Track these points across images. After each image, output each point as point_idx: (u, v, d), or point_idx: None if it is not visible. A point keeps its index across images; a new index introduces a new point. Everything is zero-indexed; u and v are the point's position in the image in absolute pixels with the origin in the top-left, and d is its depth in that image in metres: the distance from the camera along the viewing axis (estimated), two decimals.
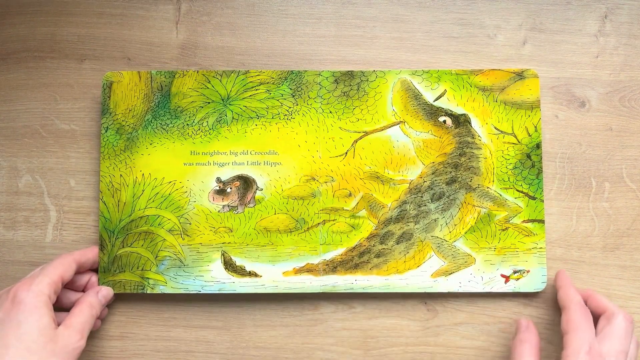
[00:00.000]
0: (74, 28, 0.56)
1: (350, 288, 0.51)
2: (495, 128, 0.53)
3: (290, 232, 0.52)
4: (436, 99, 0.53)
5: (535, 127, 0.52)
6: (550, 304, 0.53)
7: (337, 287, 0.52)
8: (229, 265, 0.52)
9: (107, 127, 0.53)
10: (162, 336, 0.53)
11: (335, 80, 0.53)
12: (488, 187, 0.52)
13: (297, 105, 0.53)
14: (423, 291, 0.51)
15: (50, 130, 0.55)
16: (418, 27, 0.56)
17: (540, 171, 0.52)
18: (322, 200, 0.52)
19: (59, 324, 0.45)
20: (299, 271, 0.52)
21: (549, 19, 0.55)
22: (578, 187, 0.54)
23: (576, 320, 0.45)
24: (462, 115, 0.53)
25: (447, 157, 0.53)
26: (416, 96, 0.53)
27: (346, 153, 0.53)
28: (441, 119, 0.53)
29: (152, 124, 0.53)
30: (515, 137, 0.52)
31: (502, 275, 0.51)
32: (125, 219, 0.52)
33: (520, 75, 0.53)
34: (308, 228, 0.52)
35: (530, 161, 0.52)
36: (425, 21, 0.56)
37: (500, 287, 0.51)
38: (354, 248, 0.52)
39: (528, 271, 0.51)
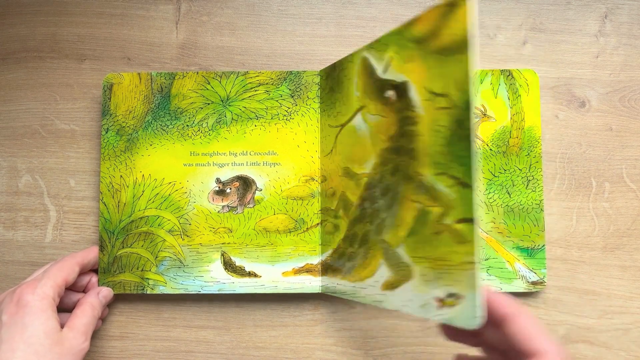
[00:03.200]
0: (74, 28, 0.56)
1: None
2: (429, 91, 0.40)
3: (290, 232, 0.52)
4: (384, 71, 0.44)
5: (467, 78, 0.36)
6: (550, 303, 0.53)
7: (337, 288, 0.52)
8: (229, 266, 0.52)
9: (108, 129, 0.53)
10: (162, 336, 0.53)
11: (327, 78, 0.53)
12: (421, 174, 0.40)
13: (296, 105, 0.53)
14: (377, 305, 0.45)
15: (50, 130, 0.55)
16: None
17: (471, 142, 0.36)
18: (320, 200, 0.52)
19: (62, 326, 0.45)
20: (298, 271, 0.52)
21: (549, 19, 0.55)
22: (578, 187, 0.54)
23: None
24: (401, 83, 0.42)
25: (391, 141, 0.44)
26: (371, 73, 0.46)
27: (331, 150, 0.52)
28: (387, 93, 0.44)
29: (152, 125, 0.53)
30: (449, 99, 0.38)
31: (437, 299, 0.39)
32: (125, 220, 0.52)
33: (450, 5, 0.37)
34: (307, 228, 0.52)
35: (462, 130, 0.37)
36: None
37: (435, 313, 0.39)
38: (335, 250, 0.51)
39: (462, 296, 0.37)
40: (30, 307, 0.43)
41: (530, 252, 0.52)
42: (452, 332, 0.40)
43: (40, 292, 0.44)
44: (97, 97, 0.55)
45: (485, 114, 0.53)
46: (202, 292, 0.51)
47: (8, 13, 0.57)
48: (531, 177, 0.53)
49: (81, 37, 0.56)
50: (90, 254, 0.51)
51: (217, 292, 0.52)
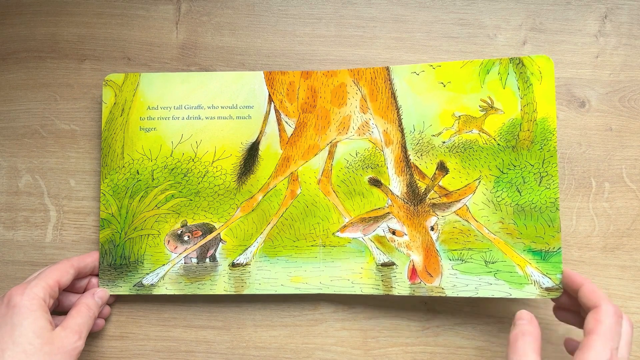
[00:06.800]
0: (74, 28, 0.56)
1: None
2: None
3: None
4: None
5: None
6: (550, 304, 0.53)
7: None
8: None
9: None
10: (162, 336, 0.53)
11: None
12: None
13: None
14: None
15: (50, 130, 0.55)
16: (418, 27, 0.56)
17: None
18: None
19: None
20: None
21: (549, 19, 0.55)
22: (578, 187, 0.54)
23: (608, 324, 0.41)
24: None
25: None
26: None
27: None
28: None
29: None
30: None
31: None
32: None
33: None
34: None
35: None
36: (425, 21, 0.56)
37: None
38: None
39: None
40: (19, 307, 0.43)
41: (544, 255, 0.49)
42: (562, 314, 0.49)
43: (30, 293, 0.44)
44: (97, 97, 0.55)
45: (492, 107, 0.51)
46: (203, 292, 0.51)
47: (8, 13, 0.57)
48: (545, 173, 0.49)
49: (81, 37, 0.56)
50: (88, 258, 0.51)
51: (223, 293, 0.52)
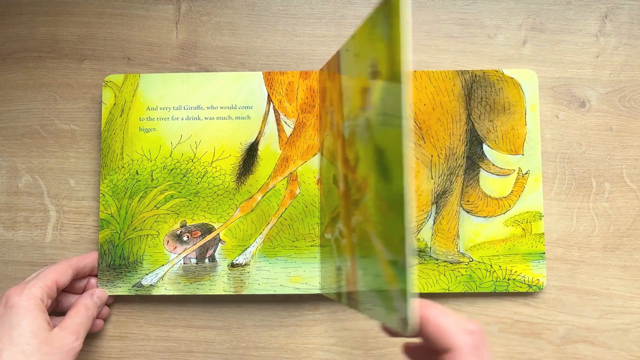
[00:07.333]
0: (74, 28, 0.56)
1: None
2: None
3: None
4: None
5: None
6: (550, 303, 0.53)
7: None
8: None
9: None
10: (162, 336, 0.53)
11: None
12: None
13: None
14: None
15: (50, 130, 0.55)
16: (418, 27, 0.56)
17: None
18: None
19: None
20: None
21: (549, 19, 0.55)
22: (578, 187, 0.54)
23: None
24: None
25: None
26: None
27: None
28: None
29: None
30: None
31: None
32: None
33: None
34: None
35: None
36: (425, 21, 0.56)
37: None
38: None
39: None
40: (17, 307, 0.43)
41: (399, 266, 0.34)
42: (392, 332, 0.40)
43: (28, 293, 0.44)
44: (97, 97, 0.55)
45: (376, 70, 0.36)
46: (203, 292, 0.51)
47: (8, 13, 0.57)
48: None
49: (81, 37, 0.56)
50: (87, 258, 0.51)
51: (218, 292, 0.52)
